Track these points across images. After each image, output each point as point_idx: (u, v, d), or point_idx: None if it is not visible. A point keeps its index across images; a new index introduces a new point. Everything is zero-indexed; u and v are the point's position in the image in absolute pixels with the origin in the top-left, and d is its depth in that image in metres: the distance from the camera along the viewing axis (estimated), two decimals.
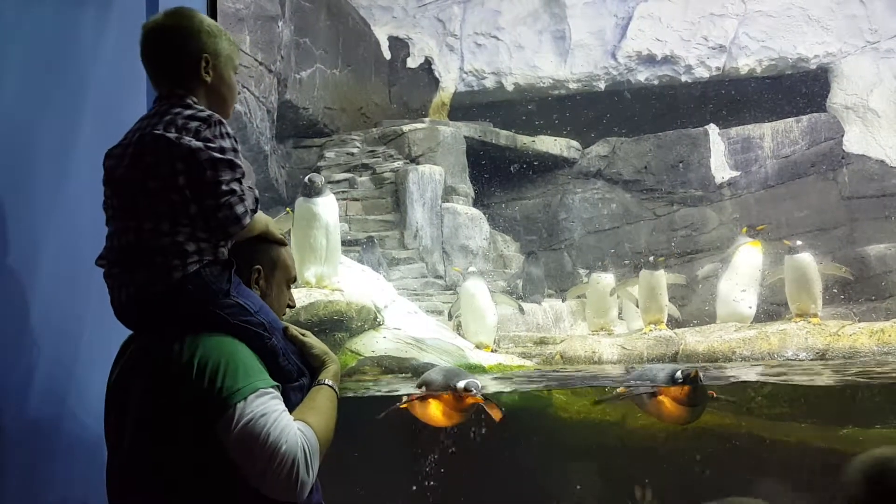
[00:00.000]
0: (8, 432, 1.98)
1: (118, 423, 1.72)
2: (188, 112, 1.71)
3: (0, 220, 2.02)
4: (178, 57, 1.78)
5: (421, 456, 4.88)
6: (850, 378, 5.46)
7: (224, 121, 1.75)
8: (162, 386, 1.63)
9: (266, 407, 1.60)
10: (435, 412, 4.17)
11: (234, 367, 1.62)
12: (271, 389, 1.64)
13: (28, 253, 2.09)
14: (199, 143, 1.65)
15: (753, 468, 5.00)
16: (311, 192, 6.14)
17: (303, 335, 1.88)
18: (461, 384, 3.96)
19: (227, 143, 1.70)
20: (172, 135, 1.66)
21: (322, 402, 1.77)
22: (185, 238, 1.65)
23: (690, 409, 4.22)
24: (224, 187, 1.66)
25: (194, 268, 1.65)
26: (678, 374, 4.20)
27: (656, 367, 4.78)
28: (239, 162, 1.71)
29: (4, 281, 2.01)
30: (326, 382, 1.81)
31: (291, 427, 1.62)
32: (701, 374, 4.23)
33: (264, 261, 1.89)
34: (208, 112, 1.73)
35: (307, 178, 6.30)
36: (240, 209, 1.68)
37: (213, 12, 2.52)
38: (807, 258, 7.41)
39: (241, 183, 1.71)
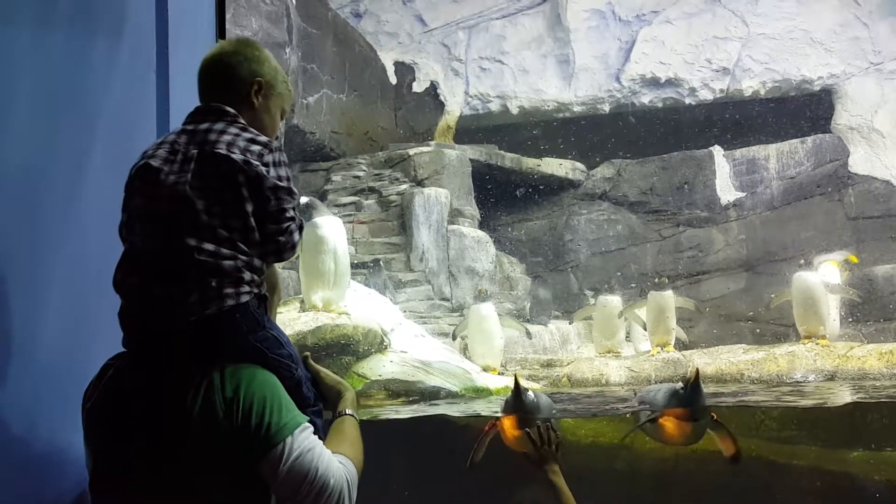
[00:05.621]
0: (17, 448, 1.99)
1: (118, 456, 1.62)
2: (247, 135, 1.70)
3: (12, 247, 2.05)
4: (232, 75, 1.79)
5: (425, 476, 4.85)
6: (859, 400, 5.42)
7: (281, 148, 1.75)
8: (200, 422, 1.56)
9: (310, 441, 1.60)
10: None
11: (278, 402, 1.60)
12: (308, 423, 1.64)
13: (38, 278, 2.11)
14: (264, 170, 1.65)
15: (763, 492, 4.95)
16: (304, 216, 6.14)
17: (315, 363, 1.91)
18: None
19: (283, 172, 1.70)
20: (238, 156, 1.63)
21: (351, 432, 1.78)
22: (243, 265, 1.63)
23: (693, 425, 4.01)
24: (287, 214, 1.69)
25: (246, 298, 1.63)
26: (678, 388, 3.96)
27: (654, 389, 4.44)
28: (295, 190, 1.74)
29: (16, 306, 2.03)
30: (348, 412, 1.83)
31: (333, 460, 1.63)
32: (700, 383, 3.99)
33: (269, 287, 1.87)
34: (265, 137, 1.73)
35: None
36: (296, 237, 1.73)
37: (222, 39, 2.56)
38: (814, 279, 7.38)
39: (297, 210, 1.75)
